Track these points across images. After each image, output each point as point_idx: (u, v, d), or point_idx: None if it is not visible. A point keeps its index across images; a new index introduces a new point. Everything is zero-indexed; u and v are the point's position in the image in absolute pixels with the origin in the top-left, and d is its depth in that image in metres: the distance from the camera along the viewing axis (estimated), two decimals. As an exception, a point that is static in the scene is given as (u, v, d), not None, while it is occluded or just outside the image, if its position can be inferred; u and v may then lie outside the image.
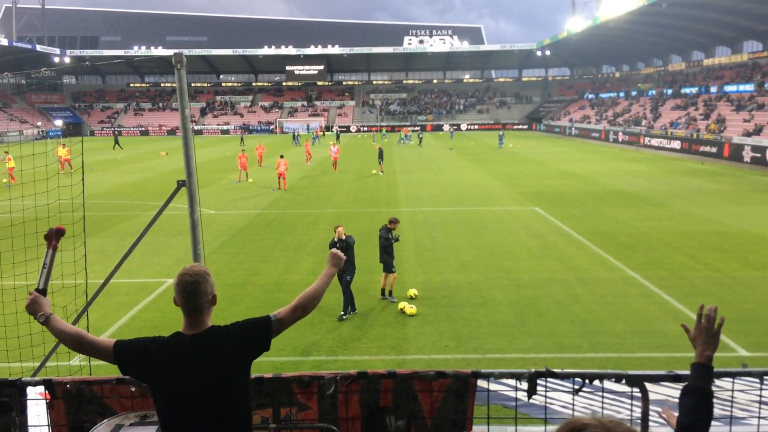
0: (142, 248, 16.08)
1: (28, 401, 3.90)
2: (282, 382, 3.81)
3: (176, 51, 5.57)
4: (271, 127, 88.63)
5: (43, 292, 3.34)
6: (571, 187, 28.89)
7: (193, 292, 2.92)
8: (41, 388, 3.91)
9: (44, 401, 3.94)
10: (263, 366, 9.40)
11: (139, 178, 34.24)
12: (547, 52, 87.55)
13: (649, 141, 54.95)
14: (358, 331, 11.12)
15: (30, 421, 3.88)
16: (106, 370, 8.58)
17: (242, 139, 62.33)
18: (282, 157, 30.59)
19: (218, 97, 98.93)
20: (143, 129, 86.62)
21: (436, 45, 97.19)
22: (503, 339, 10.68)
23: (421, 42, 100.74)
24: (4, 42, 77.56)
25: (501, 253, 16.63)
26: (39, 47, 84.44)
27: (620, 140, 60.49)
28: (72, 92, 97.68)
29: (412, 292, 12.91)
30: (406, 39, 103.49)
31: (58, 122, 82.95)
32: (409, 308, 12.04)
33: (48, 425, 3.86)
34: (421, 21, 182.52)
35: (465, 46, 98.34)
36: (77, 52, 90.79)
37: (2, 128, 71.56)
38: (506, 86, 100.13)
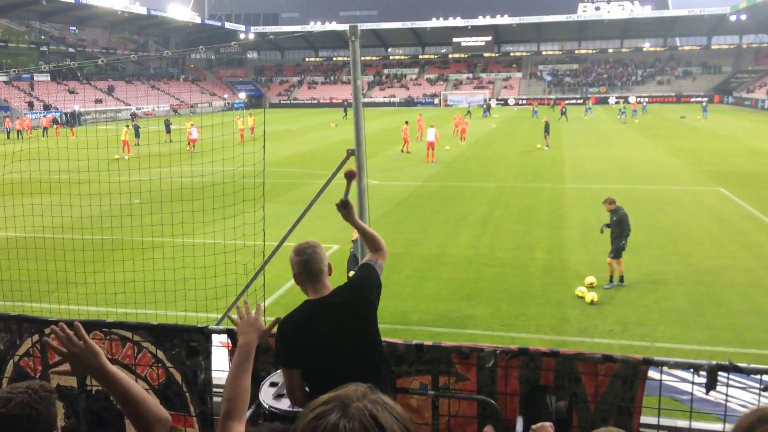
0: (311, 214, 16.91)
1: (213, 348, 4.32)
2: (442, 350, 3.85)
3: (351, 24, 5.86)
4: (435, 100, 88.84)
5: (345, 204, 3.80)
6: (765, 167, 25.88)
7: (314, 256, 3.21)
8: (224, 337, 4.31)
9: (226, 350, 4.35)
10: (421, 334, 9.60)
11: (311, 148, 36.13)
12: (743, 17, 78.14)
13: None
14: (516, 307, 10.93)
15: (213, 366, 4.29)
16: (278, 325, 9.28)
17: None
18: (432, 126, 30.22)
19: (386, 70, 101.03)
20: (315, 101, 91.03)
21: (614, 11, 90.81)
22: (675, 328, 9.94)
23: (597, 9, 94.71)
24: (198, 20, 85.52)
25: (677, 235, 15.42)
26: (227, 24, 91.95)
27: (829, 115, 52.99)
28: (255, 67, 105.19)
29: (588, 282, 11.77)
30: (581, 6, 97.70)
31: (242, 95, 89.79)
32: (589, 295, 11.08)
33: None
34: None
35: (647, 11, 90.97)
36: (260, 29, 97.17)
37: (195, 100, 79.16)
38: (692, 55, 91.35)
